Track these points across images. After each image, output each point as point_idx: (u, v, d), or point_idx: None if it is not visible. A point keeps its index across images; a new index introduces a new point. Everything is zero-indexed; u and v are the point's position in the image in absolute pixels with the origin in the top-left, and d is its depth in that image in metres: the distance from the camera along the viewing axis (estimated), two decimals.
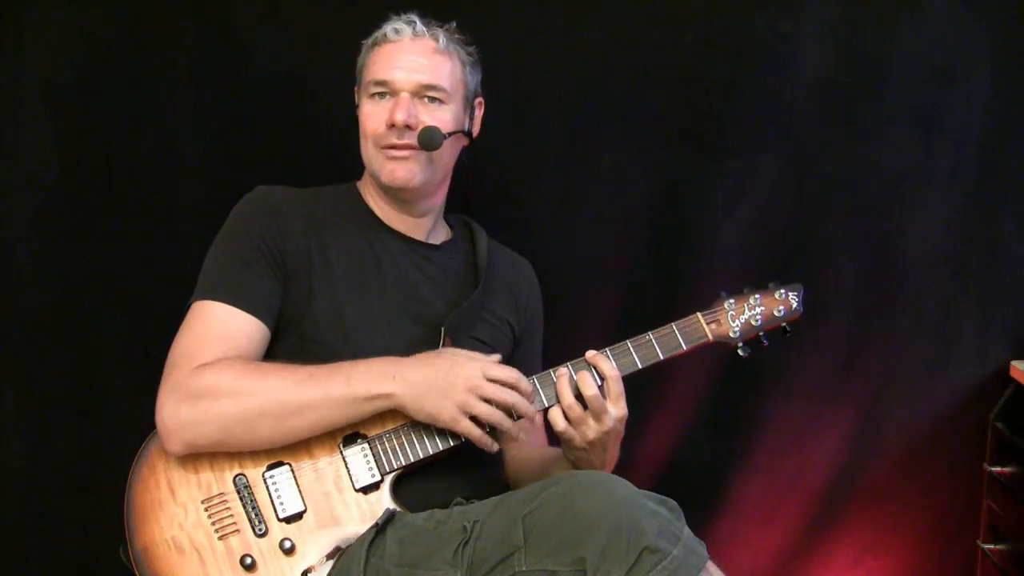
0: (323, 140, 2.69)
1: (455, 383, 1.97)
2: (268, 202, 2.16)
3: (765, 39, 2.73)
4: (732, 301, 2.18)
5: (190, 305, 2.07)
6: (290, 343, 2.10)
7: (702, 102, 2.76)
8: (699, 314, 2.16)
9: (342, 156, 2.57)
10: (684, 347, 2.13)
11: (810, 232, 2.81)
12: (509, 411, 2.02)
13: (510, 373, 2.03)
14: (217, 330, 2.03)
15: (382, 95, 2.15)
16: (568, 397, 2.04)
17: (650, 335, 2.11)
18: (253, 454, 2.00)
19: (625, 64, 2.74)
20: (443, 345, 2.11)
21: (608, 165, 2.78)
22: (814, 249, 2.80)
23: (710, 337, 2.15)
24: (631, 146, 2.78)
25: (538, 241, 2.67)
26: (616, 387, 2.06)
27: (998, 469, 2.80)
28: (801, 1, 2.72)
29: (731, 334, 2.17)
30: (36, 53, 2.60)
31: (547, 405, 2.09)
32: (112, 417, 2.66)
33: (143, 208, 2.67)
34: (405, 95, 2.14)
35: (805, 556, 2.89)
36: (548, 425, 2.11)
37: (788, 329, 2.22)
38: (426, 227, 2.25)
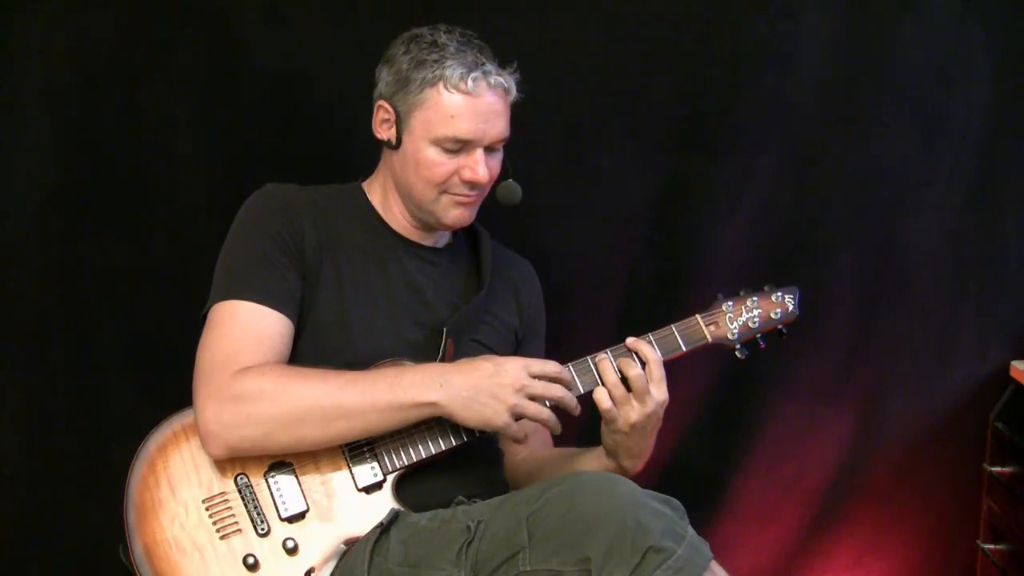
0: (323, 140, 2.68)
1: (503, 384, 1.97)
2: (281, 199, 2.15)
3: (765, 39, 2.74)
4: (730, 303, 2.18)
5: (212, 305, 2.05)
6: (296, 340, 2.08)
7: (702, 102, 2.77)
8: (698, 316, 2.16)
9: (342, 156, 2.59)
10: (683, 348, 2.13)
11: (810, 232, 2.81)
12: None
13: (553, 366, 2.04)
14: (252, 331, 2.02)
15: (456, 150, 2.10)
16: (612, 376, 2.04)
17: (650, 336, 2.11)
18: None
19: (625, 64, 2.74)
20: (444, 348, 2.11)
21: (608, 165, 2.78)
22: (814, 249, 2.81)
23: (709, 339, 2.15)
24: (631, 146, 2.78)
25: (538, 241, 2.67)
26: (658, 370, 2.06)
27: (998, 469, 2.80)
28: (801, 1, 2.72)
29: (729, 336, 2.17)
30: (36, 53, 2.59)
31: (582, 392, 2.08)
32: (112, 417, 2.65)
33: (143, 208, 2.66)
34: (480, 150, 2.11)
35: (805, 556, 2.90)
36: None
37: (784, 332, 2.22)
38: (435, 235, 2.25)
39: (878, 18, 2.72)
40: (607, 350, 2.08)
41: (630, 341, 2.08)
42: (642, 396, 2.04)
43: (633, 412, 2.04)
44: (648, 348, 2.07)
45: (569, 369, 2.07)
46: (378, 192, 2.23)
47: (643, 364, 2.05)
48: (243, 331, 2.01)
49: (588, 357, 2.09)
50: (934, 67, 2.74)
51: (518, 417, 1.99)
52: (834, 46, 2.74)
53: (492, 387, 1.97)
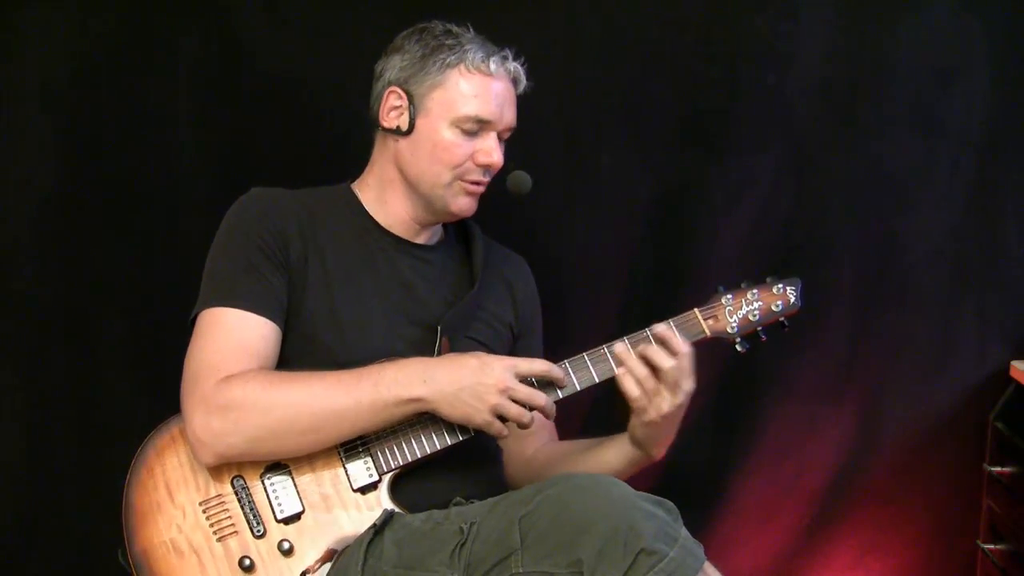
0: (323, 140, 2.69)
1: (488, 385, 1.97)
2: (264, 203, 2.14)
3: (765, 39, 2.74)
4: (730, 296, 2.16)
5: (198, 313, 2.05)
6: (287, 343, 2.08)
7: (702, 102, 2.77)
8: (696, 310, 2.14)
9: (342, 156, 2.58)
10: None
11: (810, 232, 2.81)
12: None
13: (541, 366, 2.03)
14: (236, 337, 2.02)
15: (474, 132, 2.12)
16: (642, 369, 2.03)
17: (647, 332, 2.10)
18: None
19: (625, 64, 2.74)
20: (440, 345, 2.10)
21: (608, 165, 2.79)
22: (814, 249, 2.81)
23: (708, 333, 2.13)
24: (631, 146, 2.78)
25: (538, 241, 2.68)
26: (689, 362, 2.05)
27: (998, 469, 2.80)
28: (801, 1, 2.72)
29: (729, 330, 2.15)
30: (35, 53, 2.60)
31: (579, 388, 2.07)
32: (112, 418, 2.66)
33: (143, 208, 2.67)
34: (494, 135, 2.13)
35: (805, 556, 2.89)
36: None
37: (786, 324, 2.19)
38: (428, 232, 2.25)
39: (878, 18, 2.72)
40: (624, 338, 2.07)
41: (659, 330, 2.06)
42: (675, 387, 2.03)
43: (665, 403, 2.04)
44: (679, 341, 2.05)
45: (566, 367, 2.07)
46: (371, 190, 2.23)
47: (674, 356, 2.04)
48: (228, 339, 2.01)
49: (604, 346, 2.08)
50: (934, 67, 2.74)
51: (501, 418, 1.99)
52: (834, 46, 2.74)
53: (475, 386, 1.97)
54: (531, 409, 2.01)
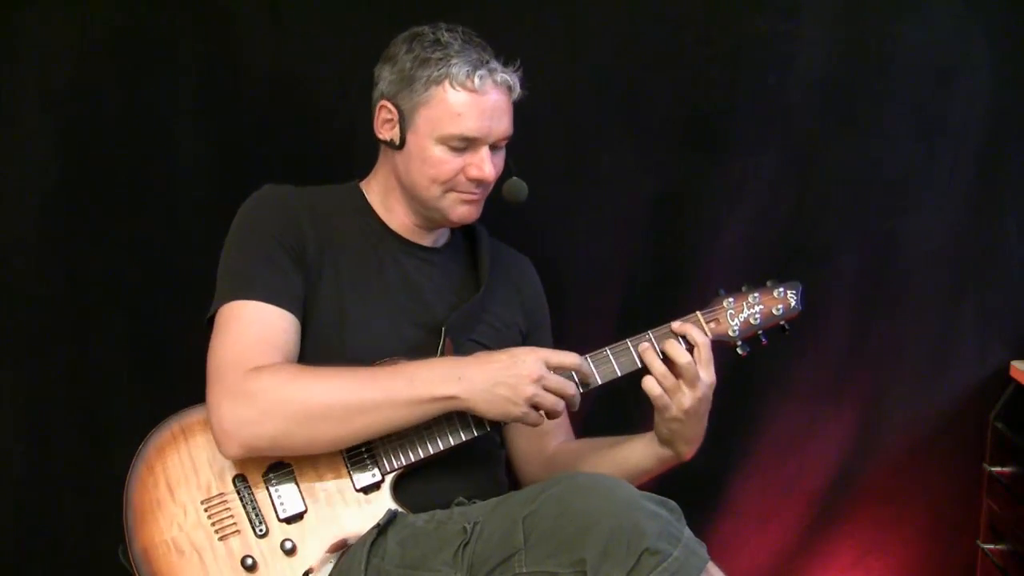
0: (323, 140, 2.68)
1: (522, 376, 1.97)
2: (279, 199, 2.15)
3: (765, 39, 2.73)
4: (731, 299, 2.18)
5: (217, 307, 2.05)
6: None
7: (702, 102, 2.76)
8: (698, 313, 2.15)
9: (342, 156, 2.59)
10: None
11: (810, 232, 2.81)
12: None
13: (572, 358, 2.04)
14: (257, 330, 2.01)
15: (463, 148, 2.11)
16: (660, 366, 2.05)
17: (650, 334, 2.10)
18: None
19: (625, 64, 2.74)
20: (442, 348, 2.10)
21: (608, 165, 2.78)
22: (814, 249, 2.80)
23: (709, 336, 2.14)
24: (631, 146, 2.78)
25: (538, 241, 2.67)
26: (707, 353, 2.06)
27: (998, 469, 2.80)
28: (801, 1, 2.72)
29: (730, 333, 2.16)
30: (35, 53, 2.59)
31: (601, 382, 2.09)
32: (112, 417, 2.65)
33: (143, 208, 2.66)
34: (486, 148, 2.11)
35: (805, 556, 2.89)
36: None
37: (787, 328, 2.21)
38: (434, 234, 2.25)
39: (878, 18, 2.72)
40: (648, 333, 2.09)
41: (676, 325, 2.09)
42: (693, 382, 2.04)
43: (686, 399, 2.05)
44: (696, 331, 2.07)
45: (587, 361, 2.07)
46: (377, 192, 2.23)
47: (691, 348, 2.06)
48: (252, 330, 2.01)
49: (628, 340, 2.09)
50: (934, 67, 2.74)
51: (536, 408, 1.99)
52: (834, 46, 2.73)
53: (509, 378, 1.96)
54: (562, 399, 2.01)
